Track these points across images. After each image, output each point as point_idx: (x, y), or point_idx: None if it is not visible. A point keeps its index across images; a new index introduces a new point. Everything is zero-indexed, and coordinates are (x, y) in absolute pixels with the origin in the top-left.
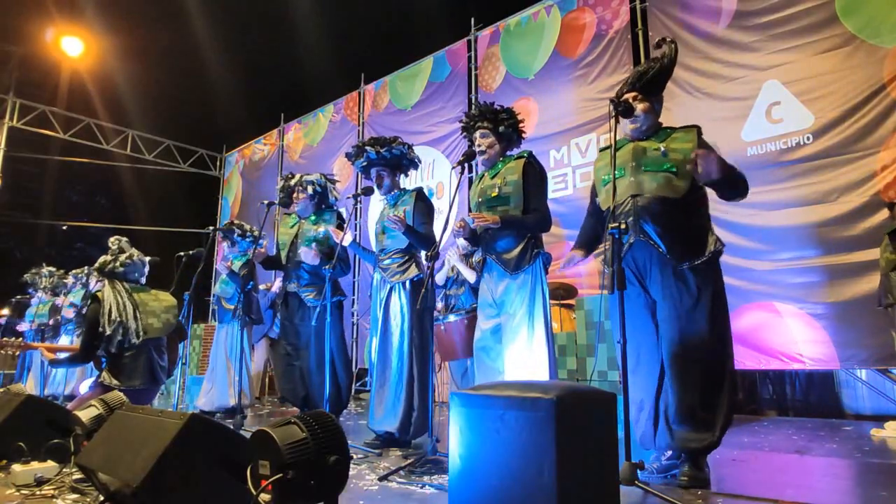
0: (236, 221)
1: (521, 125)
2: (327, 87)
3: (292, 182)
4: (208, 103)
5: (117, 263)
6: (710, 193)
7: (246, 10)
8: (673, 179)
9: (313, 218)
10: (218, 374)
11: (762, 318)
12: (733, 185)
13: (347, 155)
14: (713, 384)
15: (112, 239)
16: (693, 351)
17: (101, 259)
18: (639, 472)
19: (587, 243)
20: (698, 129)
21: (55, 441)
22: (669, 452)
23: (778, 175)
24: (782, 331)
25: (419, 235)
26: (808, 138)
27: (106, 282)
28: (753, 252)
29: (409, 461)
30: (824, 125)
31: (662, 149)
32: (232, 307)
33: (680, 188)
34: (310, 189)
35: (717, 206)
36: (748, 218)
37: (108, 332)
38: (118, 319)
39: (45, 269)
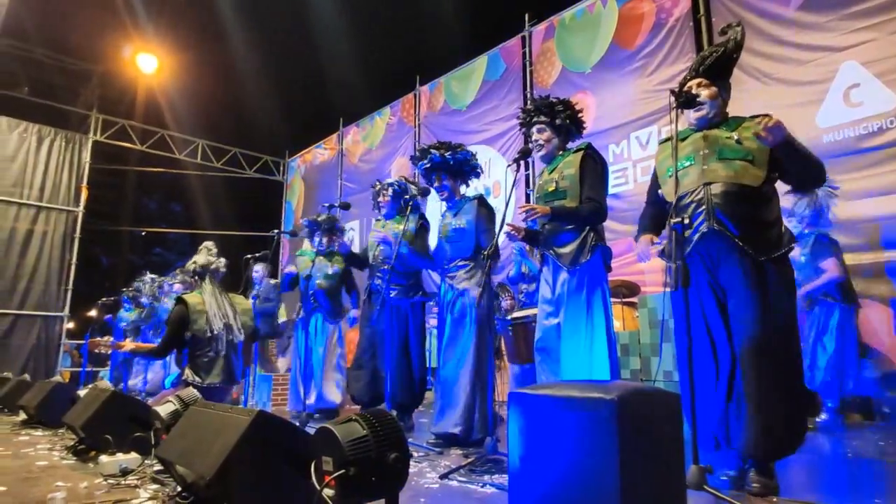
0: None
1: (580, 115)
2: (384, 91)
3: (377, 188)
4: (271, 111)
5: (221, 264)
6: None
7: (303, 22)
8: (750, 168)
9: (397, 218)
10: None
11: None
12: (805, 166)
13: (412, 157)
14: (791, 384)
15: (207, 243)
16: (772, 349)
17: (203, 260)
18: (707, 476)
19: (654, 226)
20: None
21: (137, 434)
22: (738, 456)
23: (858, 162)
24: (868, 329)
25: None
26: (891, 122)
27: (202, 284)
28: None
29: (469, 460)
30: None
31: (736, 137)
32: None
33: (757, 176)
34: (390, 191)
35: (789, 197)
36: None
37: (216, 331)
38: (224, 321)
39: (148, 276)
